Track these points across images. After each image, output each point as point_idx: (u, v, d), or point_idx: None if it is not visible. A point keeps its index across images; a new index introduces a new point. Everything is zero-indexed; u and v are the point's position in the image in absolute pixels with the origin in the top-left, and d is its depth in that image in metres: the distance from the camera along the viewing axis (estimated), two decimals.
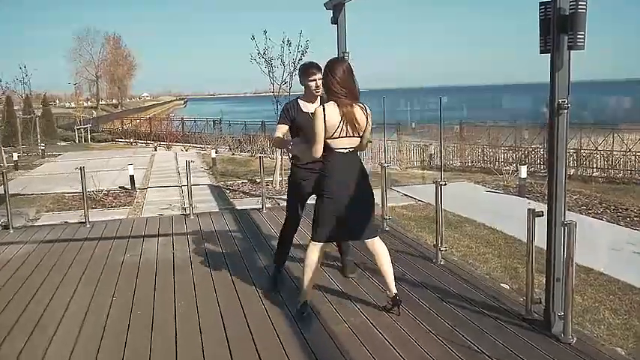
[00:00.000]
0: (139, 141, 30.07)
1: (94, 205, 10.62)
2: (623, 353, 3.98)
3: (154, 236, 7.08)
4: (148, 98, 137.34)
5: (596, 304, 5.04)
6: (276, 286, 4.95)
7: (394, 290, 4.22)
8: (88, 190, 11.08)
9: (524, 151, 14.07)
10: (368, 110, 4.08)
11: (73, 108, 66.28)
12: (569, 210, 9.01)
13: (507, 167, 13.16)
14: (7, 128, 27.38)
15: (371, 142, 4.35)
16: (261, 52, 11.72)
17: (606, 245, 6.77)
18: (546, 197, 9.24)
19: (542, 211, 3.97)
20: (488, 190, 10.99)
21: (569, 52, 3.64)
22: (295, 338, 3.96)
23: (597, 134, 14.40)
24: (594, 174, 13.16)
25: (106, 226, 7.88)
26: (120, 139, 32.22)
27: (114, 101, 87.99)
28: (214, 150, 17.41)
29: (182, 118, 32.04)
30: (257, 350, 3.78)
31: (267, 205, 8.60)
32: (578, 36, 3.53)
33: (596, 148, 13.59)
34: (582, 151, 13.66)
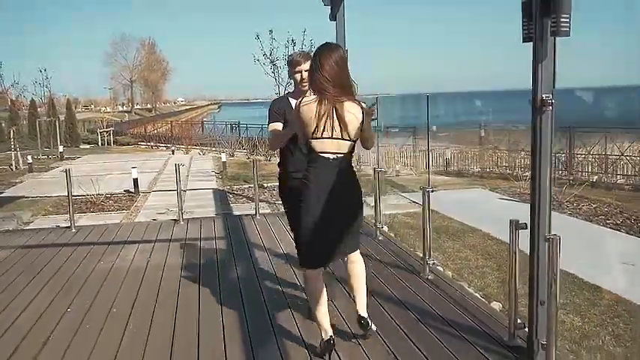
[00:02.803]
0: (160, 144, 30.07)
1: (92, 209, 10.38)
2: None
3: (136, 242, 6.74)
4: (183, 103, 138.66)
5: (597, 329, 4.47)
6: None
7: (363, 314, 3.66)
8: (90, 193, 11.00)
9: None
10: (363, 107, 3.36)
11: (108, 112, 67.40)
12: (585, 219, 8.47)
13: (527, 173, 12.52)
14: (30, 131, 27.66)
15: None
16: (267, 54, 11.42)
17: (617, 260, 6.16)
18: (561, 204, 8.58)
19: (526, 223, 3.46)
20: (502, 197, 10.38)
21: (554, 40, 3.15)
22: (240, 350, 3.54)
23: (623, 139, 13.61)
24: (619, 181, 12.40)
25: (91, 232, 7.57)
26: (141, 143, 32.28)
27: (148, 106, 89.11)
28: (225, 154, 17.12)
29: (202, 122, 31.97)
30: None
31: (260, 211, 8.22)
32: (562, 20, 3.02)
33: (622, 153, 12.82)
34: (605, 156, 12.92)
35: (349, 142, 3.35)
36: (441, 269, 5.73)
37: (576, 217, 8.57)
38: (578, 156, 13.46)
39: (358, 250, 3.72)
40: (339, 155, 3.34)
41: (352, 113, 3.31)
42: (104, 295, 4.89)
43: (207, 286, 4.98)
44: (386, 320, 4.11)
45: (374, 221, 6.63)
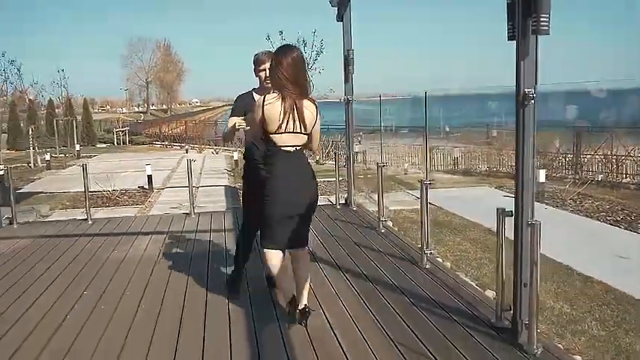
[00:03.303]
0: (174, 144, 30.49)
1: (108, 204, 10.73)
2: None
3: (149, 234, 7.03)
4: (198, 104, 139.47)
5: (585, 315, 4.67)
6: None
7: (304, 302, 3.88)
8: (106, 189, 11.37)
9: (552, 157, 13.53)
10: (317, 106, 3.68)
11: (123, 113, 68.20)
12: (586, 216, 8.64)
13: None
14: (48, 130, 28.23)
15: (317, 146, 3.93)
16: None
17: (612, 253, 6.34)
18: (565, 202, 8.80)
19: (512, 211, 3.68)
20: (507, 194, 10.56)
21: (536, 38, 3.37)
22: (245, 336, 3.80)
23: (631, 138, 13.70)
24: (624, 180, 12.51)
25: (106, 224, 7.89)
26: (156, 142, 32.75)
27: (163, 107, 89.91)
28: (237, 152, 17.43)
29: (216, 122, 32.34)
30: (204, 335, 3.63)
31: None
32: (542, 19, 3.25)
33: (628, 152, 12.93)
34: (612, 156, 13.03)
35: (305, 136, 3.67)
36: (440, 260, 5.96)
37: (578, 213, 8.74)
38: (585, 156, 13.58)
39: (306, 248, 3.94)
40: (297, 147, 3.67)
41: (309, 110, 3.62)
42: (118, 280, 5.17)
43: (216, 273, 5.25)
44: (382, 304, 4.34)
45: (377, 215, 6.85)
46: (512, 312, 3.69)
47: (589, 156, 13.50)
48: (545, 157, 13.34)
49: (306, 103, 3.63)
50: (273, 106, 3.56)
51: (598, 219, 8.36)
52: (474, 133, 21.96)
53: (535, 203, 9.49)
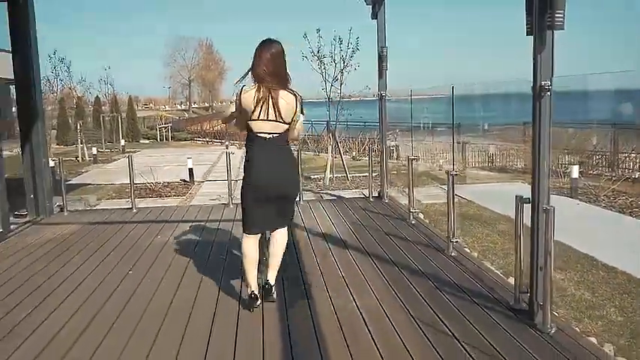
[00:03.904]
0: (215, 140, 31.18)
1: (151, 195, 11.21)
2: (596, 341, 3.80)
3: (189, 222, 7.41)
4: None
5: (604, 301, 4.80)
6: None
7: (269, 278, 4.14)
8: (149, 182, 11.87)
9: (589, 155, 13.43)
10: (297, 96, 3.91)
11: (166, 111, 69.73)
12: (619, 212, 8.64)
13: (567, 170, 12.63)
14: (94, 126, 29.27)
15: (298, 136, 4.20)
16: (315, 51, 11.97)
17: (635, 244, 6.39)
18: (598, 198, 8.85)
19: (529, 198, 3.86)
20: None
21: (552, 33, 3.55)
22: (276, 314, 4.08)
23: None
24: None
25: (150, 212, 8.32)
26: (198, 139, 33.53)
27: (205, 104, 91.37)
28: None
29: None
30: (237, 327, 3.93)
31: (304, 199, 8.78)
32: (557, 15, 3.44)
33: None
34: None
35: (283, 125, 3.89)
36: (468, 250, 6.12)
37: (610, 209, 8.75)
38: (623, 154, 13.43)
39: (286, 227, 4.20)
40: (274, 135, 3.90)
41: (286, 101, 3.85)
42: (160, 262, 5.54)
43: None
44: (406, 287, 4.57)
45: (408, 206, 7.05)
46: (528, 294, 3.88)
47: (626, 154, 13.34)
48: (581, 155, 13.26)
49: (282, 93, 3.86)
50: (248, 95, 3.84)
51: (630, 214, 8.36)
52: (512, 130, 21.83)
53: (567, 198, 9.62)
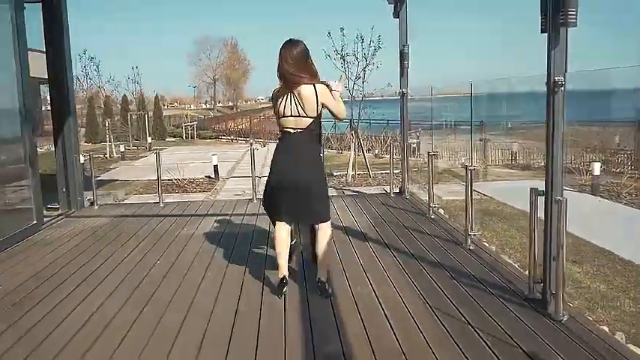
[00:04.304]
0: (239, 138, 31.55)
1: (177, 191, 11.50)
2: (607, 329, 3.90)
3: (214, 215, 7.64)
4: (263, 101, 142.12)
5: (619, 294, 4.88)
6: None
7: (322, 278, 4.29)
8: (175, 178, 12.17)
9: (612, 152, 13.38)
10: (316, 87, 4.06)
11: (191, 110, 70.58)
12: (629, 205, 8.64)
13: (590, 168, 12.61)
14: (122, 124, 29.86)
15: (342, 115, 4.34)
16: (339, 50, 12.14)
17: None
18: (619, 195, 8.89)
19: (543, 190, 3.98)
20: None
21: (566, 30, 3.67)
22: (297, 297, 4.27)
23: None
24: None
25: (176, 206, 8.59)
26: (222, 137, 33.95)
27: (230, 104, 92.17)
28: None
29: None
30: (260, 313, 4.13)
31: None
32: (570, 13, 3.56)
33: None
34: None
35: (308, 119, 4.12)
36: (487, 244, 6.23)
37: (631, 206, 8.77)
38: None
39: (328, 222, 4.34)
40: (298, 130, 4.14)
41: (306, 95, 4.06)
42: (187, 253, 5.76)
43: (274, 251, 5.73)
44: (424, 277, 4.71)
45: (428, 201, 7.19)
46: (542, 285, 4.00)
47: None
48: (604, 153, 13.21)
49: (303, 87, 4.07)
50: (276, 94, 4.21)
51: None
52: (537, 129, 21.74)
53: (589, 195, 9.67)
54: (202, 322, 3.89)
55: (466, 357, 3.26)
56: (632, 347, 3.58)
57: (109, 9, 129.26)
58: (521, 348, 3.36)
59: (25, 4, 7.02)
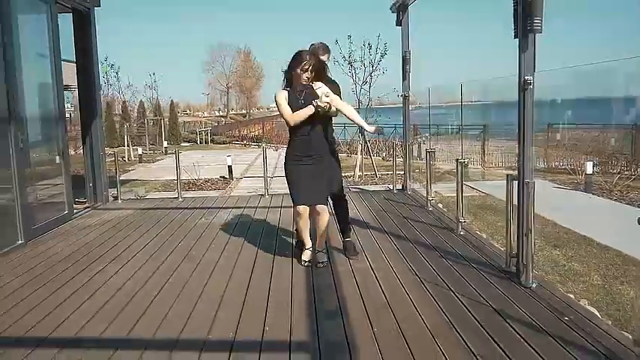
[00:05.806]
0: (252, 143, 32.28)
1: (194, 189, 12.17)
2: (573, 297, 4.46)
3: (229, 208, 8.28)
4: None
5: (590, 271, 5.44)
6: None
7: (317, 245, 5.13)
8: (192, 178, 12.86)
9: (608, 154, 13.88)
10: (323, 89, 4.82)
11: (205, 117, 71.55)
12: (628, 204, 9.16)
13: (584, 169, 13.11)
14: (139, 128, 30.73)
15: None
16: (346, 56, 12.79)
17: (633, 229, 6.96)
18: (611, 192, 9.42)
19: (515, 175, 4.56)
20: (556, 186, 11.14)
21: (534, 36, 4.27)
22: (303, 269, 4.89)
23: None
24: None
25: (194, 200, 9.24)
26: (236, 142, 34.73)
27: (243, 111, 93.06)
28: None
29: None
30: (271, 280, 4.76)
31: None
32: (535, 20, 4.16)
33: None
34: None
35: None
36: (478, 232, 6.81)
37: (620, 202, 9.29)
38: None
39: (325, 205, 5.08)
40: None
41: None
42: (205, 238, 6.39)
43: (283, 236, 6.35)
44: (416, 256, 5.30)
45: (426, 196, 7.78)
46: (516, 258, 4.58)
47: None
48: (601, 155, 13.71)
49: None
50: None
51: (639, 207, 8.89)
52: (539, 134, 22.31)
53: (582, 193, 10.22)
54: (222, 284, 4.55)
55: (442, 310, 3.86)
56: (590, 308, 4.14)
57: (130, 16, 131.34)
58: (491, 306, 3.94)
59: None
